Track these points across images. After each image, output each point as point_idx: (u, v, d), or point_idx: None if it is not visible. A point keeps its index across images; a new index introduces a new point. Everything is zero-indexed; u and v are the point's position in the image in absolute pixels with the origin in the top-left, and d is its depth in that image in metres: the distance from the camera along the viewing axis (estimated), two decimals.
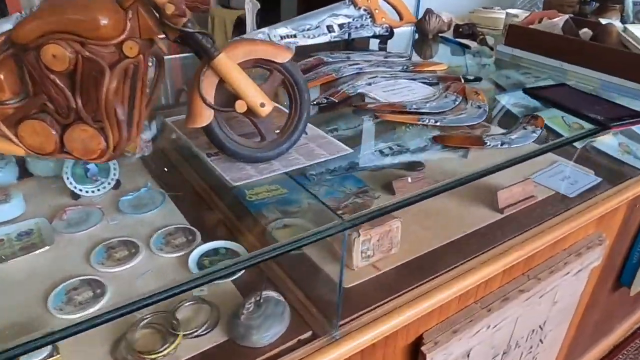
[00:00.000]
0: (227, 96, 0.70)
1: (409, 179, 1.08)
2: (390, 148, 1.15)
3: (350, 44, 1.36)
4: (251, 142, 0.78)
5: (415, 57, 1.62)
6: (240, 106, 0.69)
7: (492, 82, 1.68)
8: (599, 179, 1.17)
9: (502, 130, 0.94)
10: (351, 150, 0.88)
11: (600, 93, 1.15)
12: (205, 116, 0.70)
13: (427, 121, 0.95)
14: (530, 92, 1.12)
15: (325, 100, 1.02)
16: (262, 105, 0.70)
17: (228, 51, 0.68)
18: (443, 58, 1.77)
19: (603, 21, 1.19)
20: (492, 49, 1.47)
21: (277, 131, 0.79)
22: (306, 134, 0.84)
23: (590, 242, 1.12)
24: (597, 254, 1.13)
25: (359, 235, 0.82)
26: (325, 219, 0.75)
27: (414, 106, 0.98)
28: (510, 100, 1.42)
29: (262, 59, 0.71)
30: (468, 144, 0.91)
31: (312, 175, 1.11)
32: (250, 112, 0.71)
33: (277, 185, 1.07)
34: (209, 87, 0.68)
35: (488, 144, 0.86)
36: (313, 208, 1.02)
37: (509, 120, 1.43)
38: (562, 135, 1.22)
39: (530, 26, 1.32)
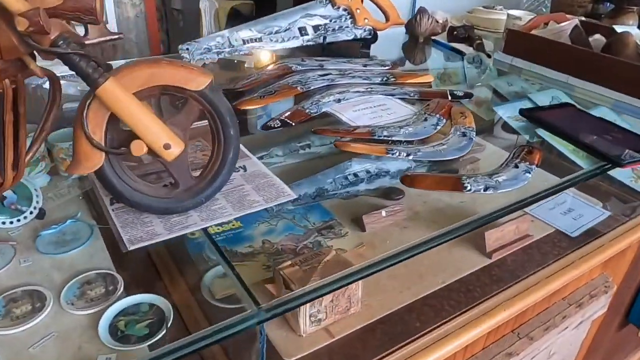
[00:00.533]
0: (127, 133, 0.55)
1: (383, 212, 0.92)
2: (367, 171, 0.99)
3: (323, 48, 1.19)
4: (160, 189, 0.62)
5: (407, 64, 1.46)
6: (137, 148, 0.54)
7: (492, 90, 1.52)
8: (608, 213, 1.01)
9: (488, 170, 0.78)
10: (294, 196, 0.73)
11: (612, 115, 0.98)
12: (94, 160, 0.55)
13: (396, 154, 0.79)
14: (527, 114, 0.96)
15: (279, 123, 0.86)
16: (167, 146, 0.55)
17: (120, 77, 0.53)
18: (437, 63, 1.61)
19: (618, 28, 1.02)
20: (489, 55, 1.30)
21: (197, 175, 0.64)
22: (244, 170, 0.68)
23: (595, 289, 0.96)
24: (602, 302, 0.97)
25: None
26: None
27: (385, 133, 0.82)
28: (510, 113, 1.25)
29: (171, 86, 0.56)
30: (443, 187, 0.75)
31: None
32: (154, 154, 0.56)
33: None
34: (97, 122, 0.53)
35: (468, 188, 0.71)
36: (267, 249, 0.87)
37: (507, 136, 1.27)
38: (567, 157, 1.06)
39: (533, 31, 1.15)
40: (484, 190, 0.70)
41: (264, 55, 1.15)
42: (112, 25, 2.16)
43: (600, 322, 1.19)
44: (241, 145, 0.79)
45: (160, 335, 0.66)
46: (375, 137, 0.82)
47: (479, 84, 1.57)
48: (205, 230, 0.63)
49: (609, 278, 0.99)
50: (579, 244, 0.92)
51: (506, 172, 0.74)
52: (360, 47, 1.25)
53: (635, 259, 1.11)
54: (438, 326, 0.74)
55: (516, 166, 0.74)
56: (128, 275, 0.78)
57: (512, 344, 0.83)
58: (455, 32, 1.41)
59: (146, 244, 0.60)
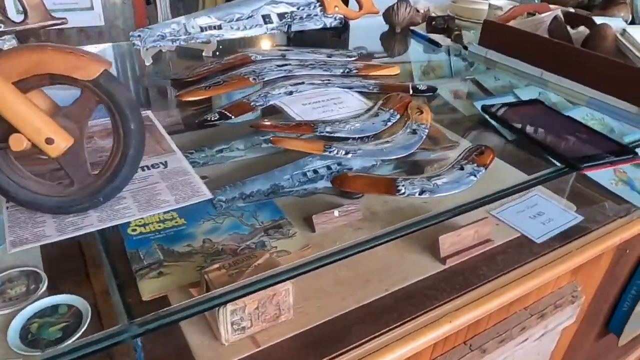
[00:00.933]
0: (10, 125, 0.51)
1: (336, 212, 0.87)
2: (328, 167, 0.94)
3: (289, 37, 1.13)
4: (54, 187, 0.58)
5: (386, 56, 1.40)
6: (16, 142, 0.50)
7: (476, 85, 1.45)
8: (580, 218, 0.95)
9: (435, 171, 0.72)
10: (209, 196, 0.68)
11: (585, 113, 0.92)
12: None
13: (334, 152, 0.74)
14: (489, 111, 0.89)
15: (217, 116, 0.81)
16: (50, 141, 0.51)
17: None
18: (421, 55, 1.54)
19: (605, 20, 0.95)
20: (465, 47, 1.24)
21: (96, 172, 0.59)
22: (165, 167, 0.64)
23: (561, 299, 0.90)
24: (569, 313, 0.91)
25: (224, 305, 0.62)
26: None
27: (328, 128, 0.76)
28: None
29: (58, 75, 0.51)
30: (375, 190, 0.70)
31: (219, 202, 0.92)
32: (37, 149, 0.52)
33: (173, 213, 0.88)
34: None
35: (402, 191, 0.65)
36: (207, 249, 0.83)
37: (487, 133, 1.21)
38: (548, 158, 1.00)
39: (512, 22, 1.08)
40: (420, 194, 0.65)
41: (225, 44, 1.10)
42: (98, 12, 2.13)
43: (576, 331, 1.13)
44: (169, 139, 0.75)
45: (70, 341, 0.62)
46: (317, 133, 0.77)
47: (468, 77, 1.50)
48: (101, 232, 0.59)
49: (578, 287, 0.93)
50: (542, 250, 0.86)
51: (449, 174, 0.68)
52: (331, 36, 1.19)
53: (612, 266, 1.05)
54: (376, 336, 0.69)
55: (461, 168, 0.68)
56: (56, 273, 0.74)
57: (462, 356, 0.78)
58: (433, 23, 1.34)
59: (30, 246, 0.56)
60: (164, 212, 0.88)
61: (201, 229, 0.85)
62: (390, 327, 0.70)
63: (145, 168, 0.68)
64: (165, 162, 0.69)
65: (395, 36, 1.37)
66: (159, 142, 0.73)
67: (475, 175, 0.67)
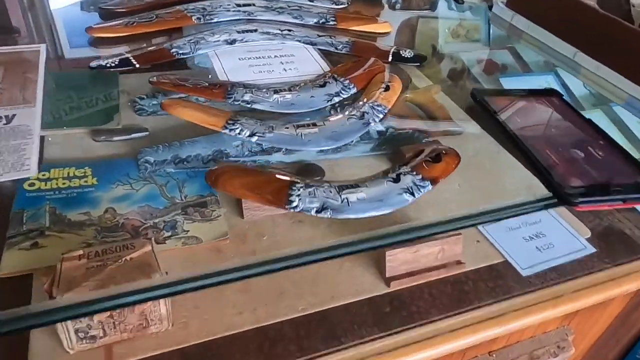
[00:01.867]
0: None
1: None
2: None
3: None
4: None
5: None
6: None
7: (514, 56, 1.20)
8: (591, 250, 0.74)
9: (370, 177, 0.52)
10: (32, 174, 0.52)
11: (617, 116, 0.67)
12: None
13: (237, 131, 0.56)
14: (480, 98, 0.66)
15: (117, 62, 0.64)
16: None
17: None
18: (451, 12, 1.29)
19: None
20: (490, 8, 0.99)
21: None
22: (7, 122, 0.49)
23: (541, 348, 0.72)
24: None
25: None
26: None
27: (246, 97, 0.58)
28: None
29: None
30: (259, 197, 0.52)
31: (145, 164, 0.78)
32: None
33: (87, 169, 0.75)
34: None
35: (295, 204, 0.47)
36: (105, 221, 0.69)
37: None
38: None
39: None
40: (317, 212, 0.46)
41: None
42: None
43: None
44: (40, 86, 0.59)
45: None
46: (229, 102, 0.59)
47: (509, 45, 1.25)
48: None
49: (569, 336, 0.74)
50: (526, 287, 0.67)
51: (373, 186, 0.48)
52: None
53: (625, 313, 0.83)
54: None
55: (397, 179, 0.48)
56: None
57: None
58: None
59: None
60: (76, 168, 0.76)
61: (111, 194, 0.71)
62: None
63: None
64: (13, 116, 0.55)
65: None
66: (24, 89, 0.58)
67: (412, 194, 0.48)
